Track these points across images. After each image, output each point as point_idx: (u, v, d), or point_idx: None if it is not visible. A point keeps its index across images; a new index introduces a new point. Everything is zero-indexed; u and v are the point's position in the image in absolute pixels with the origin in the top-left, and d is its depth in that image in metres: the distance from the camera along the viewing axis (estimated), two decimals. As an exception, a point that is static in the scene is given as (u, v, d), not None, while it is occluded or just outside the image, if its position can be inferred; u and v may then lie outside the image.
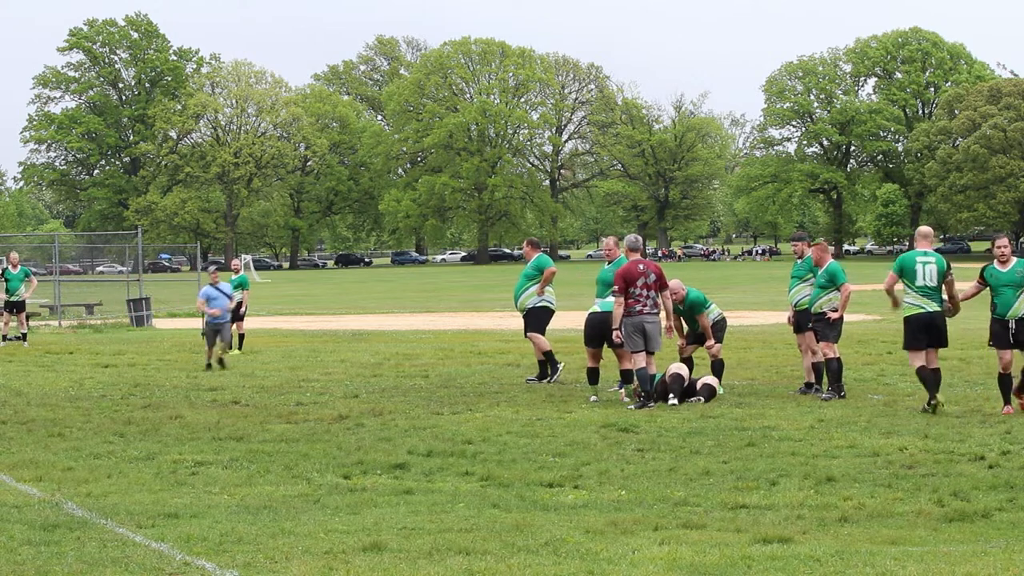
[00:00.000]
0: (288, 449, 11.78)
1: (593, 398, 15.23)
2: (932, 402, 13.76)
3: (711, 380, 15.38)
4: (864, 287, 49.11)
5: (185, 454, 11.55)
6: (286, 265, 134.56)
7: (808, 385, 15.78)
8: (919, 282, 14.09)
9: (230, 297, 21.03)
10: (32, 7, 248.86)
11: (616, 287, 14.79)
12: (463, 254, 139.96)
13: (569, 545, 7.75)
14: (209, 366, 20.30)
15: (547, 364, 17.49)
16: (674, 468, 10.54)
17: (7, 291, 26.18)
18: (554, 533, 8.09)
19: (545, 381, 17.24)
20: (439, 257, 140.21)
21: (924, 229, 14.86)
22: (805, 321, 15.71)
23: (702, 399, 14.89)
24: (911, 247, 14.71)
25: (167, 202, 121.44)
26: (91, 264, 77.62)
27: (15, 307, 26.17)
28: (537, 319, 17.55)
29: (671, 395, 14.80)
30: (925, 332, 14.06)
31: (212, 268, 21.73)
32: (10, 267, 26.41)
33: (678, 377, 15.04)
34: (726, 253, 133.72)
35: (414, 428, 13.06)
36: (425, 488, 9.85)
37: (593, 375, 15.57)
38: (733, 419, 13.36)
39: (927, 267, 14.11)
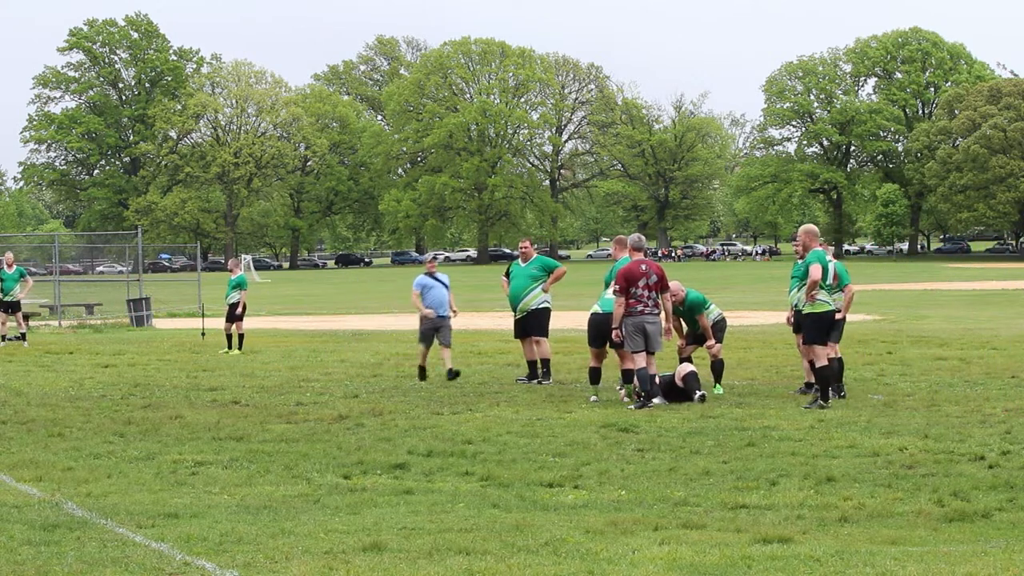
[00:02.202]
0: (288, 449, 11.78)
1: (593, 398, 15.23)
2: (837, 395, 14.66)
3: (688, 367, 15.31)
4: (865, 287, 49.13)
5: (185, 454, 11.54)
6: (286, 265, 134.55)
7: (808, 385, 15.74)
8: (828, 280, 14.64)
9: (448, 287, 18.03)
10: (32, 7, 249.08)
11: (617, 287, 14.79)
12: (446, 255, 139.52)
13: (569, 545, 7.75)
14: (422, 372, 17.66)
15: (536, 365, 17.52)
16: (674, 468, 10.53)
17: (2, 291, 26.17)
18: (554, 533, 8.09)
19: (535, 382, 17.24)
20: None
21: (814, 228, 15.30)
22: (806, 321, 15.70)
23: (701, 394, 14.90)
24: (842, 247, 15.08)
25: (167, 202, 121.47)
26: (91, 264, 77.56)
27: (10, 307, 26.19)
28: (544, 322, 17.55)
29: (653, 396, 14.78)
30: (829, 328, 14.63)
31: (430, 256, 18.83)
32: (5, 267, 26.39)
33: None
34: (726, 253, 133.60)
35: (414, 428, 13.05)
36: (425, 488, 9.85)
37: (595, 375, 15.59)
38: (733, 419, 13.35)
39: (831, 265, 14.75)
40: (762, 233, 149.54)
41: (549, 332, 17.71)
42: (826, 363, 14.35)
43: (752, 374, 18.06)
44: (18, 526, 8.44)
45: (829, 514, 8.70)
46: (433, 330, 17.71)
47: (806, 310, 14.52)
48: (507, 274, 17.99)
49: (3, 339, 26.03)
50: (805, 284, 14.59)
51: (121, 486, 10.04)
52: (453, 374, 17.59)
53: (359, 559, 7.45)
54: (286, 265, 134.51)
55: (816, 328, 14.44)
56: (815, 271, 14.36)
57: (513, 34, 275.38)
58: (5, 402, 15.76)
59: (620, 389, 15.54)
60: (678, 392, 15.02)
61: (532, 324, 17.49)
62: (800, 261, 15.92)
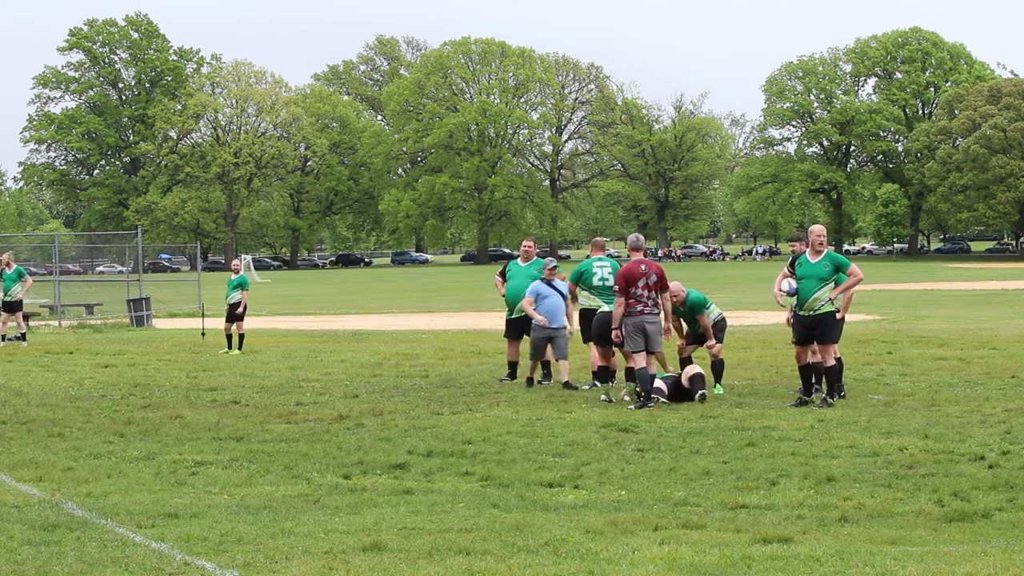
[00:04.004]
0: (288, 449, 11.78)
1: (604, 397, 15.23)
2: (837, 395, 14.80)
3: (695, 369, 15.29)
4: (865, 287, 49.15)
5: (185, 454, 11.54)
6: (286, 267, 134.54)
7: (806, 391, 15.72)
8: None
9: (565, 297, 16.74)
10: (32, 7, 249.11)
11: (617, 287, 14.80)
12: (428, 256, 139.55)
13: (569, 545, 7.75)
14: (529, 381, 16.77)
15: (517, 366, 17.51)
16: (674, 468, 10.53)
17: (3, 291, 26.19)
18: (554, 533, 8.09)
19: (502, 380, 17.26)
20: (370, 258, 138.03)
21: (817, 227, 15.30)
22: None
23: (702, 393, 14.89)
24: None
25: (167, 202, 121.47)
26: (91, 264, 77.54)
27: (11, 307, 26.21)
28: None
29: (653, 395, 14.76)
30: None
31: (551, 261, 17.23)
32: (4, 267, 26.41)
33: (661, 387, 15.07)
34: (724, 255, 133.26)
35: (414, 428, 13.05)
36: (425, 488, 9.85)
37: (604, 373, 15.59)
38: (733, 419, 13.35)
39: None
40: (762, 233, 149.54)
41: None
42: (834, 363, 14.61)
43: (752, 374, 18.06)
44: (18, 526, 8.44)
45: (829, 514, 8.70)
46: (546, 340, 16.67)
47: (825, 309, 14.46)
48: (502, 273, 17.94)
49: (3, 339, 26.05)
50: (830, 284, 14.47)
51: (121, 486, 10.04)
52: (571, 386, 16.47)
53: (359, 559, 7.45)
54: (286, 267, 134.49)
55: (839, 326, 14.85)
56: (858, 270, 14.82)
57: (513, 34, 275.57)
58: (5, 402, 15.76)
59: (621, 389, 15.56)
60: (682, 392, 15.01)
61: (530, 326, 17.49)
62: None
